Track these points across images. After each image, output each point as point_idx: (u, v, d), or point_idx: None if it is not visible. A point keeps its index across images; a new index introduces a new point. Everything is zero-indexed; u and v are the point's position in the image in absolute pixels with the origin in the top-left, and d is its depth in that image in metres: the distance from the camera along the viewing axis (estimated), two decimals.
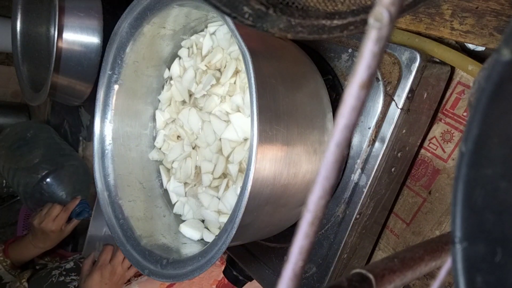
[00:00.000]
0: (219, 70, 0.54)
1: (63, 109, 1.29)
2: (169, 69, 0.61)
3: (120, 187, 0.58)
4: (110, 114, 0.59)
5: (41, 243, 1.02)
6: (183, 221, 0.58)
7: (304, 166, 0.43)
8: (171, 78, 0.61)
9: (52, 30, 0.88)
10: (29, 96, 0.92)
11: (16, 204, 1.55)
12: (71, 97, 0.87)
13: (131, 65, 0.58)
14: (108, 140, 0.59)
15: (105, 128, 0.59)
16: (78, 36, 0.76)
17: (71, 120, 1.25)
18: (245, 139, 0.50)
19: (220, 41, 0.54)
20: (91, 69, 0.79)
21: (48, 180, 1.09)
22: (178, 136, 0.60)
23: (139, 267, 0.51)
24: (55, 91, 0.82)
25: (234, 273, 0.68)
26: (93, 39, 0.77)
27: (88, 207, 1.06)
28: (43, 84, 0.82)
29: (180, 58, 0.60)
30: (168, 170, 0.62)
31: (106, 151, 0.59)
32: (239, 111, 0.50)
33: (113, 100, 0.59)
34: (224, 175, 0.52)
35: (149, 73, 0.60)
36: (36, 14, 0.97)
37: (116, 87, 0.59)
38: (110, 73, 0.58)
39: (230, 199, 0.50)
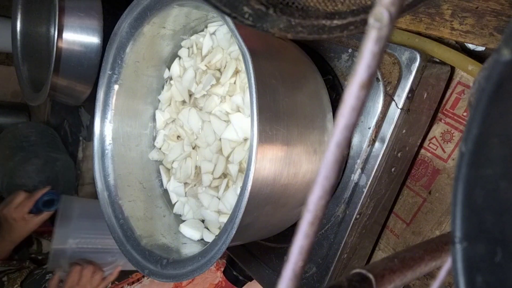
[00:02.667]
0: (219, 70, 0.54)
1: (63, 109, 1.29)
2: (169, 69, 0.61)
3: (120, 187, 0.58)
4: (110, 114, 0.59)
5: (8, 234, 0.97)
6: (183, 221, 0.58)
7: (304, 166, 0.43)
8: (171, 78, 0.61)
9: (52, 30, 0.88)
10: (29, 96, 0.92)
11: None
12: (71, 97, 0.87)
13: (131, 65, 0.58)
14: (108, 140, 0.59)
15: (105, 128, 0.59)
16: (78, 36, 0.76)
17: (71, 120, 1.25)
18: (245, 139, 0.50)
19: (220, 41, 0.54)
20: (91, 69, 0.79)
21: (23, 166, 1.08)
22: (178, 136, 0.60)
23: (139, 267, 0.51)
24: (55, 91, 0.82)
25: (234, 273, 0.68)
26: (93, 39, 0.77)
27: (58, 197, 1.00)
28: (43, 84, 0.82)
29: (180, 58, 0.60)
30: (168, 170, 0.62)
31: (106, 151, 0.59)
32: (239, 111, 0.50)
33: (113, 100, 0.59)
34: (224, 175, 0.52)
35: (149, 73, 0.60)
36: (36, 14, 0.97)
37: (116, 87, 0.59)
38: (110, 73, 0.58)
39: (230, 199, 0.50)
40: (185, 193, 0.58)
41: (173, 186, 0.59)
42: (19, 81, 0.99)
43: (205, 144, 0.54)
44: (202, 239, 0.55)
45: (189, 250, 0.52)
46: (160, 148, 0.62)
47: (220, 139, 0.51)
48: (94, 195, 1.10)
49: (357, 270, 0.21)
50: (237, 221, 0.39)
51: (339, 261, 0.49)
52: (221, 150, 0.51)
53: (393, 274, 0.22)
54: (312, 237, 0.15)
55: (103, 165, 0.59)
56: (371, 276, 0.21)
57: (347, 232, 0.47)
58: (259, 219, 0.43)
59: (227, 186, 0.51)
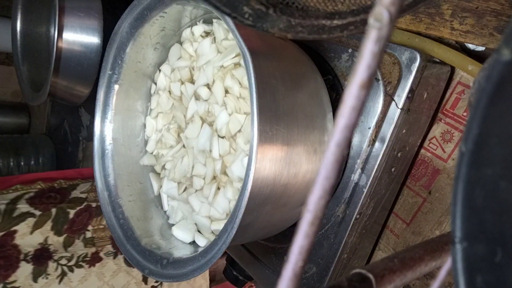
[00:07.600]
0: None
1: (63, 109, 1.29)
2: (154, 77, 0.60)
3: (120, 187, 0.58)
4: (110, 114, 0.59)
5: None
6: (173, 224, 0.57)
7: (304, 166, 0.43)
8: (159, 89, 0.60)
9: (52, 30, 0.88)
10: (29, 96, 0.92)
11: None
12: (71, 97, 0.87)
13: (131, 65, 0.58)
14: (108, 140, 0.59)
15: (105, 128, 0.59)
16: (78, 36, 0.76)
17: (71, 120, 1.25)
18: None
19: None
20: (91, 69, 0.79)
21: None
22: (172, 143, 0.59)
23: (139, 267, 0.51)
24: (55, 91, 0.82)
25: (234, 273, 0.68)
26: (93, 39, 0.77)
27: None
28: (43, 84, 0.82)
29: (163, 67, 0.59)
30: (159, 175, 0.61)
31: (106, 151, 0.59)
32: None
33: (113, 100, 0.59)
34: (214, 176, 0.51)
35: (149, 73, 0.60)
36: (36, 14, 0.97)
37: (116, 87, 0.59)
38: (110, 73, 0.58)
39: (221, 203, 0.50)
40: (179, 193, 0.57)
41: (166, 188, 0.58)
42: (19, 81, 0.99)
43: (201, 149, 0.53)
44: (194, 241, 0.54)
45: (189, 250, 0.52)
46: (152, 153, 0.62)
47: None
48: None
49: (357, 270, 0.21)
50: (237, 221, 0.39)
51: (339, 261, 0.49)
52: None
53: (393, 274, 0.22)
54: (312, 237, 0.15)
55: (103, 165, 0.59)
56: (371, 276, 0.21)
57: (347, 232, 0.47)
58: (259, 219, 0.43)
59: (217, 189, 0.50)
